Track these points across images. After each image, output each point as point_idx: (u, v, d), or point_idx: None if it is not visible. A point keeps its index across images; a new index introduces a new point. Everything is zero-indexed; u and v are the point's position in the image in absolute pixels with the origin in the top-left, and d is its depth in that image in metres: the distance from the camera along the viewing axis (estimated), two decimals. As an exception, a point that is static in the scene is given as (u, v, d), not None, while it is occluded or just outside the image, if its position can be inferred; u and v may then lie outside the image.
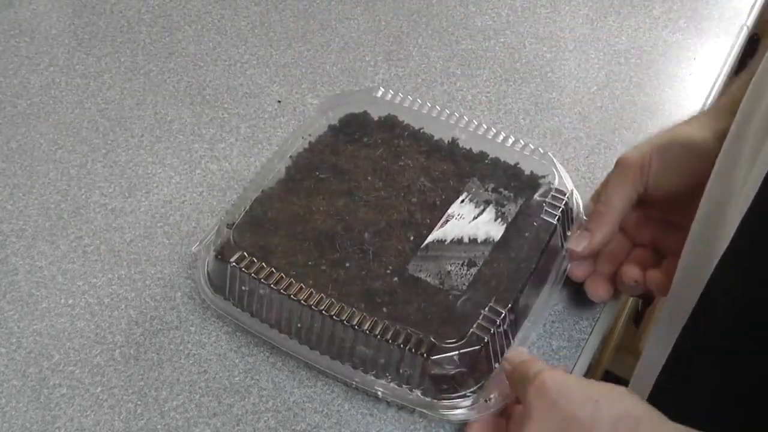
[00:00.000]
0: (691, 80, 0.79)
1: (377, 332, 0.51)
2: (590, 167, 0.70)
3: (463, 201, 0.59)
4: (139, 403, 0.53)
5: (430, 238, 0.57)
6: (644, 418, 0.44)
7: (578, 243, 0.57)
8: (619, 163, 0.57)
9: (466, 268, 0.55)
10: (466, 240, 0.57)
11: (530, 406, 0.46)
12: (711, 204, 0.50)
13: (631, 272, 0.58)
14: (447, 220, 0.58)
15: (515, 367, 0.50)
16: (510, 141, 0.63)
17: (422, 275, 0.55)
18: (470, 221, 0.58)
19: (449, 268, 0.55)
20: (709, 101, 0.77)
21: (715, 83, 0.78)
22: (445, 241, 0.57)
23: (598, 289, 0.59)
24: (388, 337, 0.51)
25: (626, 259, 0.59)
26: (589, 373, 0.61)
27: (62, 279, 0.60)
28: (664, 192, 0.57)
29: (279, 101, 0.74)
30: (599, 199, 0.58)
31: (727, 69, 0.80)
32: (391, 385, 0.53)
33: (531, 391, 0.46)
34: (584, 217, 0.61)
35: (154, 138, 0.70)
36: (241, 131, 0.71)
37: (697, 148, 0.55)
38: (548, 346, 0.58)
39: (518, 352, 0.52)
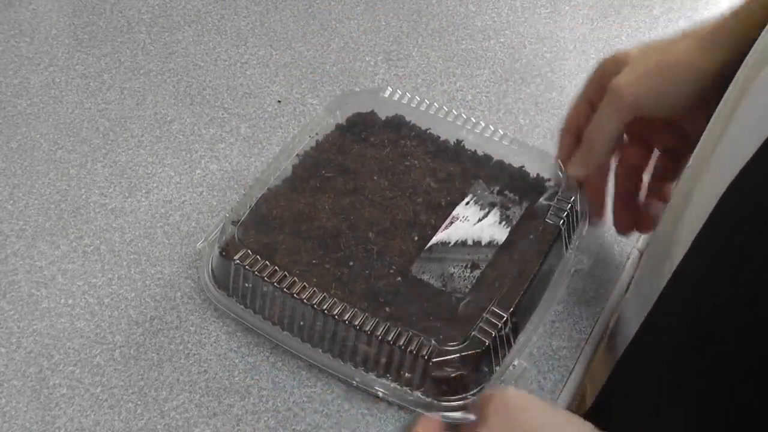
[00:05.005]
0: (691, 81, 0.79)
1: (379, 333, 0.51)
2: (591, 168, 0.70)
3: (468, 203, 0.59)
4: (139, 403, 0.53)
5: (434, 240, 0.56)
6: None
7: (574, 167, 0.59)
8: (612, 91, 0.55)
9: (469, 270, 0.55)
10: (470, 242, 0.57)
11: (487, 418, 0.45)
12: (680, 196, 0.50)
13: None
14: (451, 222, 0.58)
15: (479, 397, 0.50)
16: (516, 143, 0.63)
17: (425, 277, 0.55)
18: (475, 223, 0.58)
19: (452, 270, 0.55)
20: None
21: (715, 84, 0.78)
22: (449, 243, 0.57)
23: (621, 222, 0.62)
24: (390, 338, 0.51)
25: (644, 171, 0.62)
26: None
27: (62, 279, 0.60)
28: (662, 115, 0.56)
29: (279, 101, 0.74)
30: (592, 125, 0.57)
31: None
32: (392, 385, 0.52)
33: (491, 405, 0.46)
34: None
35: (154, 138, 0.70)
36: (241, 131, 0.71)
37: (690, 75, 0.53)
38: (548, 346, 0.58)
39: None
